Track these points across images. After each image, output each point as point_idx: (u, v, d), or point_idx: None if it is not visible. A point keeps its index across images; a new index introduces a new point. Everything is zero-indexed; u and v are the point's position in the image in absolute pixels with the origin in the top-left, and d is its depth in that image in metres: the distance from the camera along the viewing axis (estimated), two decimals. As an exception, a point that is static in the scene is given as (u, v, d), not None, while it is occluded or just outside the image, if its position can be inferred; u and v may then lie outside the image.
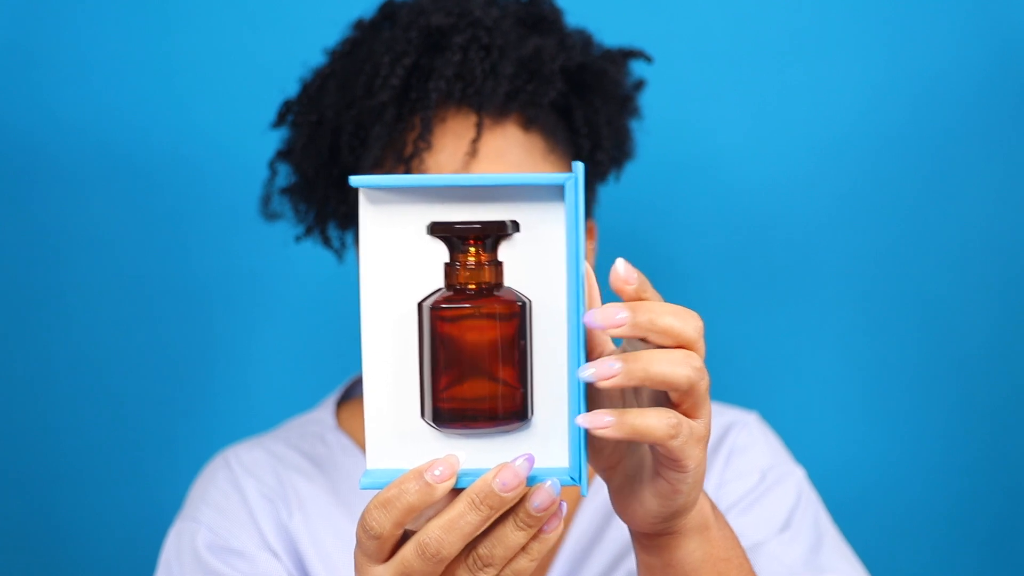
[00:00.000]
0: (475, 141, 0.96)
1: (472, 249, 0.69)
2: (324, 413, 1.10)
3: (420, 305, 0.69)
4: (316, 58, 1.06)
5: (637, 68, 1.09)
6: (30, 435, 1.39)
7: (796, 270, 1.37)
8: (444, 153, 0.96)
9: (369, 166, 0.98)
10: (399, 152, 0.97)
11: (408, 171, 0.96)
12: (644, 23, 1.31)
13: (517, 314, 0.68)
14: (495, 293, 0.69)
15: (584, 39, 1.04)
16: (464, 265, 0.69)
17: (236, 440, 1.10)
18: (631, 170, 1.13)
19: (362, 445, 1.07)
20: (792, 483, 1.04)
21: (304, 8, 1.36)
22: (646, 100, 1.11)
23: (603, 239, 1.14)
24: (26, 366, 1.39)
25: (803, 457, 1.14)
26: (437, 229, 0.69)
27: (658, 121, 1.10)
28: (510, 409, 0.69)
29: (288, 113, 1.06)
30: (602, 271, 1.08)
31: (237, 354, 1.40)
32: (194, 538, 1.01)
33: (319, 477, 1.04)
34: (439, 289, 0.69)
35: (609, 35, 1.09)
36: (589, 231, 1.06)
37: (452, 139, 0.97)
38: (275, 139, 1.10)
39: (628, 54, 1.07)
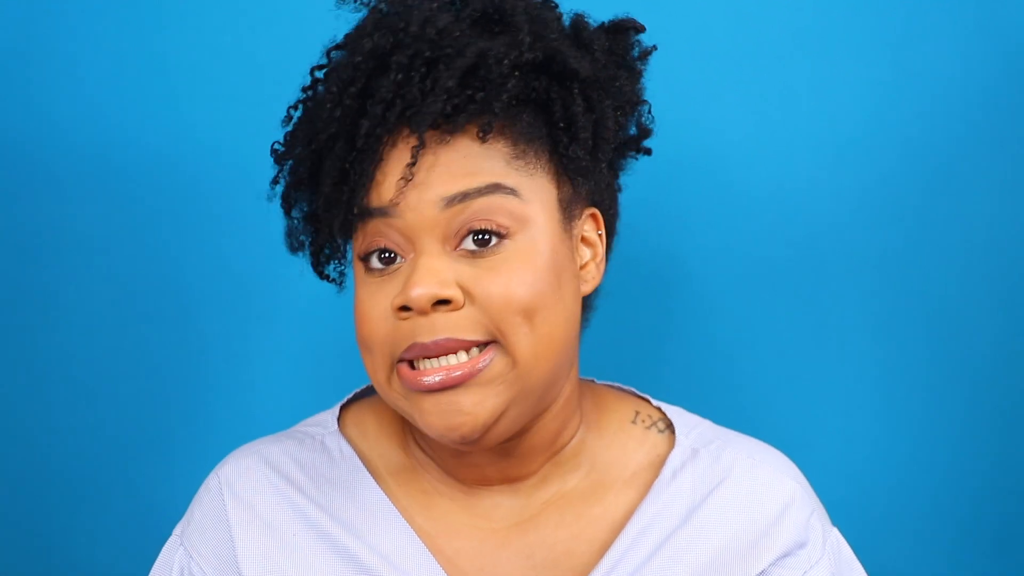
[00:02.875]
0: (411, 165, 0.92)
1: None
2: (328, 416, 1.08)
3: None
4: (313, 57, 1.03)
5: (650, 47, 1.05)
6: (22, 442, 1.39)
7: (803, 271, 1.35)
8: (385, 182, 0.93)
9: (323, 200, 0.96)
10: (353, 184, 0.94)
11: (357, 204, 0.94)
12: (648, 19, 1.29)
13: None
14: None
15: (542, 26, 0.97)
16: None
17: (235, 446, 1.09)
18: (634, 168, 1.11)
19: (360, 450, 1.05)
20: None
21: (301, 11, 1.34)
22: (649, 98, 1.09)
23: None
24: (18, 372, 1.38)
25: (809, 461, 1.13)
26: None
27: (662, 120, 1.08)
28: None
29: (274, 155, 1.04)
30: (610, 273, 1.08)
31: (237, 361, 1.39)
32: (172, 558, 1.03)
33: (312, 490, 1.03)
34: None
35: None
36: (593, 218, 1.01)
37: (394, 165, 0.94)
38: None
39: (613, 28, 1.02)
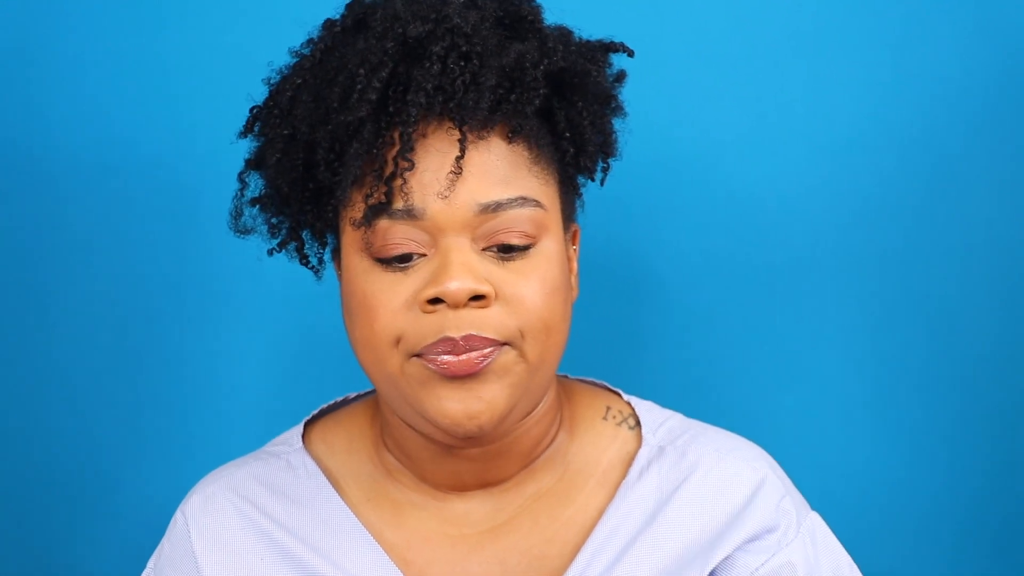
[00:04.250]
0: (460, 159, 0.92)
1: None
2: (293, 433, 1.07)
3: None
4: (281, 58, 1.02)
5: (618, 60, 1.05)
6: (17, 442, 1.39)
7: (802, 272, 1.35)
8: (428, 172, 0.92)
9: (348, 184, 0.94)
10: (379, 171, 0.93)
11: (390, 191, 0.92)
12: (640, 18, 1.29)
13: None
14: None
15: (564, 37, 0.99)
16: None
17: (211, 460, 1.09)
18: (623, 171, 1.10)
19: (327, 467, 1.04)
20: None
21: (301, 12, 1.34)
22: (642, 99, 1.08)
23: (599, 242, 1.12)
24: (14, 373, 1.38)
25: (809, 461, 1.12)
26: None
27: (653, 121, 1.07)
28: None
29: (256, 121, 1.02)
30: (585, 273, 1.07)
31: (234, 360, 1.39)
32: None
33: (278, 511, 1.02)
34: None
35: (602, 32, 1.06)
36: (573, 235, 1.03)
37: (435, 156, 0.93)
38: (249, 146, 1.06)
39: (608, 47, 1.03)
